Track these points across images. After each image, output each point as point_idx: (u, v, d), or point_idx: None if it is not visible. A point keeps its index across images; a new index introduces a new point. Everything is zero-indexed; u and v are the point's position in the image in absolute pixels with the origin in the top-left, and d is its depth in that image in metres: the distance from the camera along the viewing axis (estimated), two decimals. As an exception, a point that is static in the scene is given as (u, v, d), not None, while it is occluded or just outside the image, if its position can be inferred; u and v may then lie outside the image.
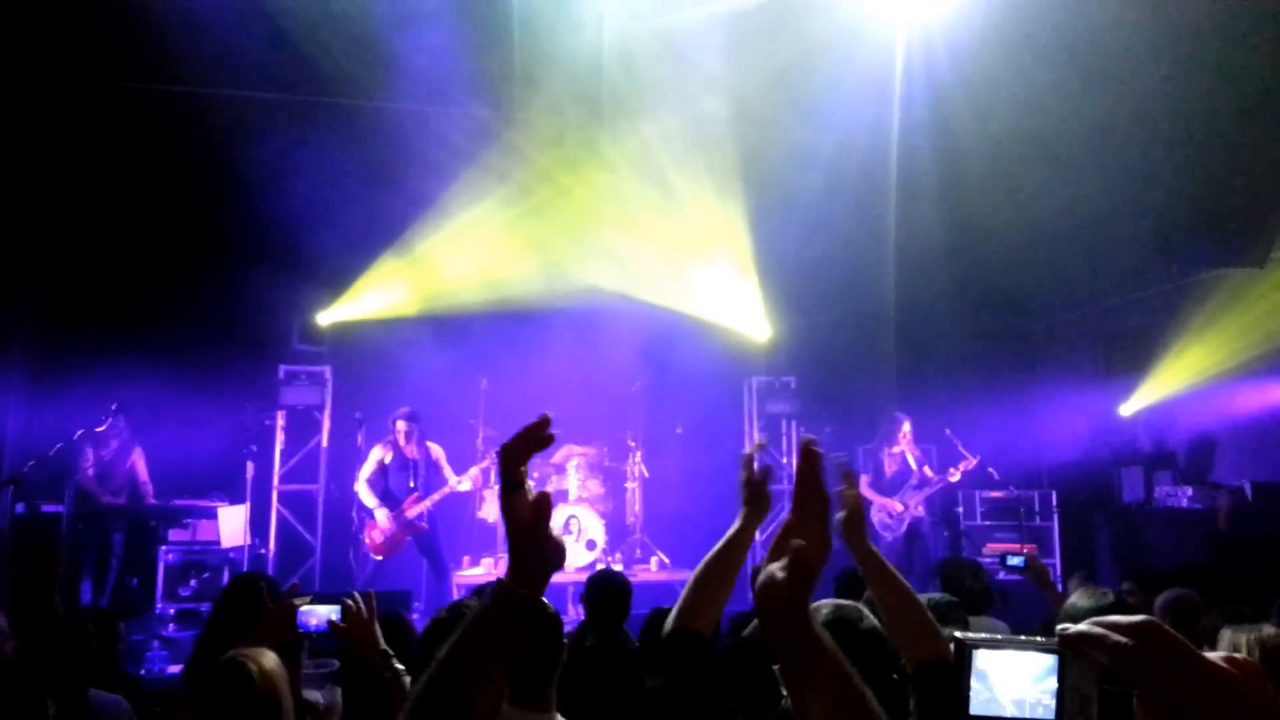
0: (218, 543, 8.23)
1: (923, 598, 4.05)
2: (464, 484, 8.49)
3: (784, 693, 1.25)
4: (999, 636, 1.00)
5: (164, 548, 8.12)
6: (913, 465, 8.88)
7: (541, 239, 9.80)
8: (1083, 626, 0.90)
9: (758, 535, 2.45)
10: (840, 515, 2.51)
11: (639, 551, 9.68)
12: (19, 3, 7.98)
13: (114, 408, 8.18)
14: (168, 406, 8.78)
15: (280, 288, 9.44)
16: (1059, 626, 0.92)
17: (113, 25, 8.01)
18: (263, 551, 9.04)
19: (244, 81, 8.87)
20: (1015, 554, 4.96)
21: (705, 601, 2.29)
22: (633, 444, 9.85)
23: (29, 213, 8.90)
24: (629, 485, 9.87)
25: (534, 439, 1.29)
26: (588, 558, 8.94)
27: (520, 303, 10.06)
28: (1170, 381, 9.69)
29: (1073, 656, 0.92)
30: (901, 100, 9.29)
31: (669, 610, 3.43)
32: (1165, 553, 8.50)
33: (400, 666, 2.80)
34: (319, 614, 3.09)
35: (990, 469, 8.85)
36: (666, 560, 9.54)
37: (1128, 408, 10.22)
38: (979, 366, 11.18)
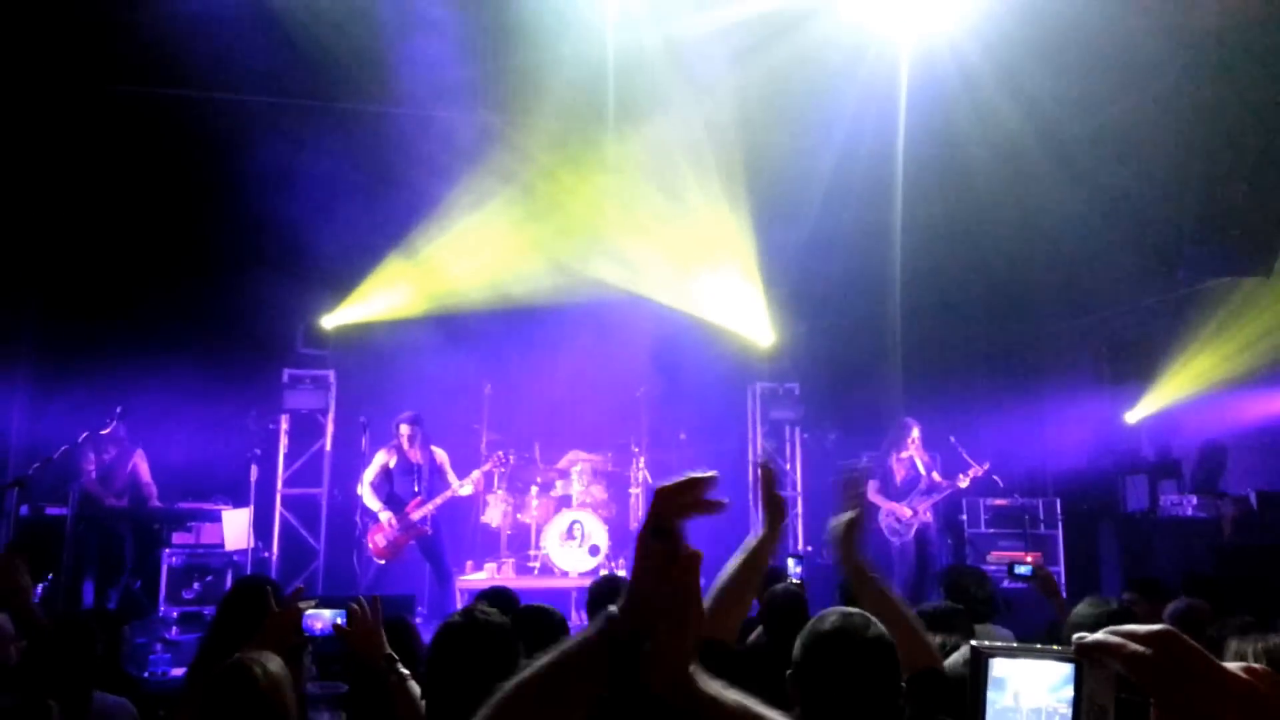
0: (221, 546, 8.22)
1: (927, 605, 4.07)
2: (465, 488, 8.48)
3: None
4: (1015, 645, 1.00)
5: (167, 550, 8.11)
6: (921, 471, 8.85)
7: (545, 244, 9.80)
8: (1099, 635, 0.89)
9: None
10: (833, 527, 2.50)
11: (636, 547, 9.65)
12: (26, 6, 8.00)
13: (118, 410, 8.19)
14: (172, 410, 8.79)
15: (284, 291, 9.45)
16: (1075, 635, 0.92)
17: (118, 29, 8.04)
18: (266, 555, 9.04)
19: (248, 86, 8.90)
20: (1023, 563, 4.95)
21: (726, 611, 2.28)
22: (636, 449, 9.84)
23: (34, 216, 8.92)
24: (633, 491, 9.86)
25: (702, 504, 1.14)
26: (591, 563, 8.93)
27: (524, 307, 10.06)
28: (1175, 390, 9.67)
29: (1089, 665, 0.91)
30: (906, 108, 9.29)
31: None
32: (1169, 562, 8.47)
33: (405, 671, 2.79)
34: (324, 618, 3.09)
35: (995, 476, 8.83)
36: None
37: (1132, 416, 10.20)
38: (983, 374, 11.19)
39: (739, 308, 10.70)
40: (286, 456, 9.53)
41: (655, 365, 9.96)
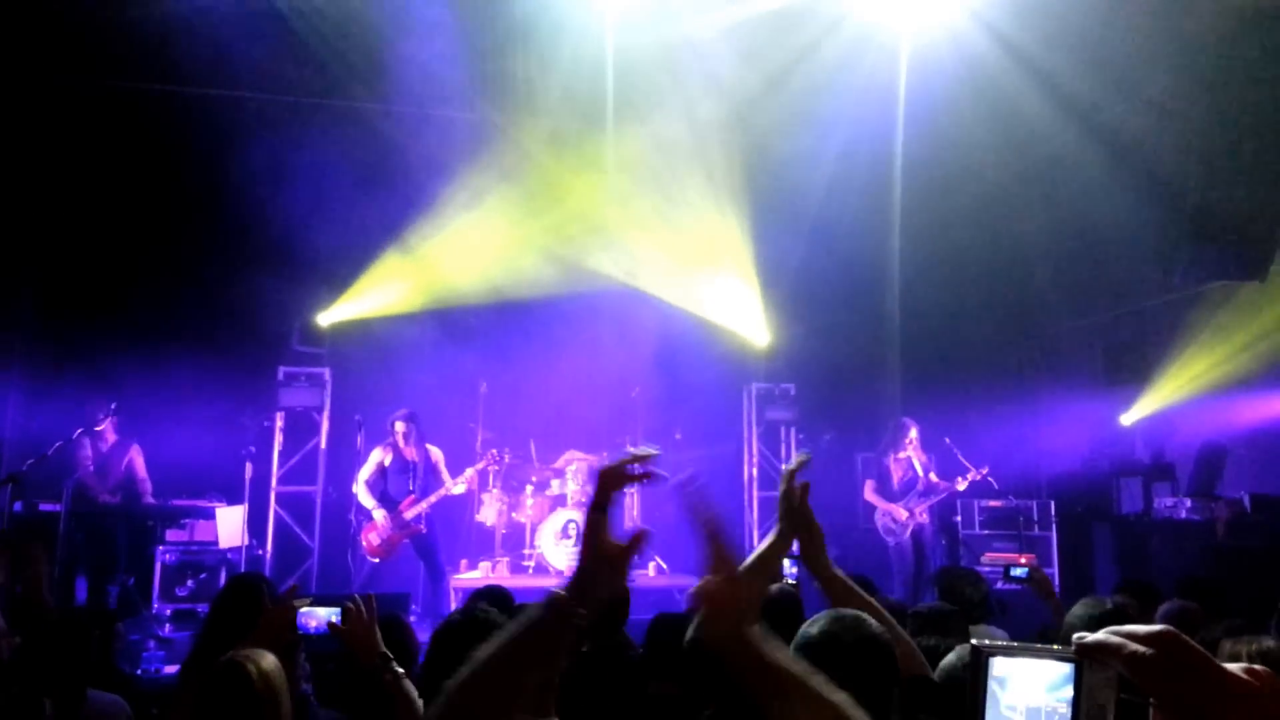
0: (215, 543, 8.21)
1: (922, 606, 4.07)
2: (459, 487, 8.47)
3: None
4: (1015, 644, 1.00)
5: (161, 548, 8.09)
6: (919, 471, 8.86)
7: (542, 243, 9.80)
8: (1100, 635, 0.89)
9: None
10: (801, 537, 2.49)
11: (636, 557, 9.66)
12: (21, 2, 7.99)
13: (112, 407, 8.17)
14: (166, 406, 8.77)
15: (280, 289, 9.44)
16: (1075, 635, 0.92)
17: (114, 25, 8.02)
18: (260, 553, 9.01)
19: (245, 82, 8.90)
20: (1019, 565, 4.97)
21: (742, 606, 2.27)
22: (631, 449, 9.83)
23: (27, 212, 8.89)
24: (628, 490, 9.84)
25: (634, 475, 1.31)
26: (585, 563, 8.92)
27: (520, 306, 10.06)
28: (1170, 393, 9.69)
29: (1089, 665, 0.91)
30: (904, 109, 9.31)
31: (675, 616, 3.43)
32: (1163, 564, 8.49)
33: (400, 669, 2.79)
34: (319, 616, 3.08)
35: (990, 478, 8.85)
36: (664, 565, 9.52)
37: (1128, 418, 10.23)
38: (979, 376, 11.20)
39: (736, 308, 10.71)
40: (281, 454, 9.51)
41: (651, 365, 9.95)
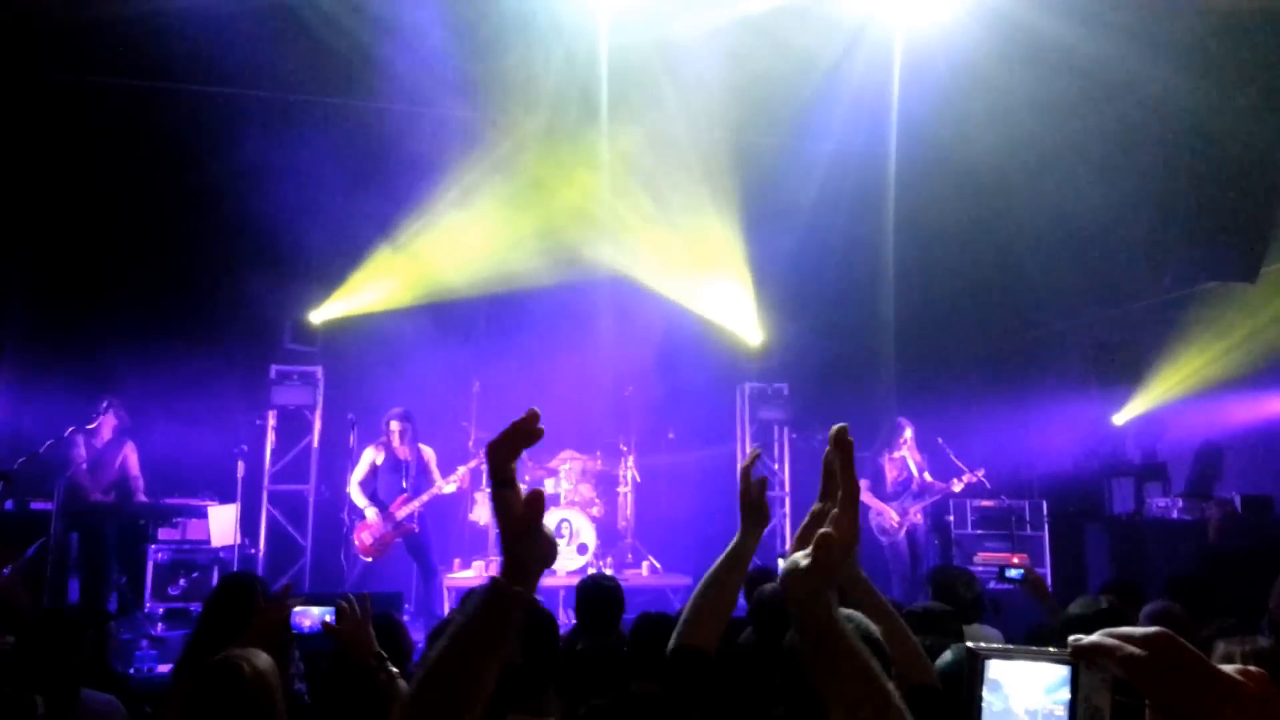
0: (207, 542, 8.19)
1: (916, 606, 4.08)
2: (450, 486, 8.46)
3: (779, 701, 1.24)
4: (1011, 647, 1.00)
5: (153, 546, 8.07)
6: (914, 472, 8.87)
7: (535, 241, 9.80)
8: (1095, 637, 0.90)
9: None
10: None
11: (630, 556, 9.67)
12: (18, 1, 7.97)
13: (104, 405, 8.15)
14: (158, 405, 8.75)
15: (272, 286, 9.42)
16: (1071, 638, 0.92)
17: (105, 22, 7.99)
18: (253, 551, 8.99)
19: (235, 80, 8.89)
20: (1013, 566, 5.00)
21: (707, 618, 2.29)
22: (625, 448, 9.85)
23: (18, 207, 8.86)
24: (621, 490, 9.86)
25: (522, 433, 1.26)
26: (579, 562, 8.93)
27: (513, 305, 10.07)
28: (1161, 393, 9.72)
29: (1085, 667, 0.92)
30: (898, 110, 9.33)
31: (657, 616, 3.43)
32: (1155, 564, 8.52)
33: (395, 669, 2.78)
34: (312, 615, 3.08)
35: (984, 479, 8.87)
36: (658, 565, 9.53)
37: (1119, 418, 10.26)
38: (971, 376, 11.22)
39: (729, 307, 10.72)
40: (274, 453, 9.50)
41: (645, 364, 9.96)
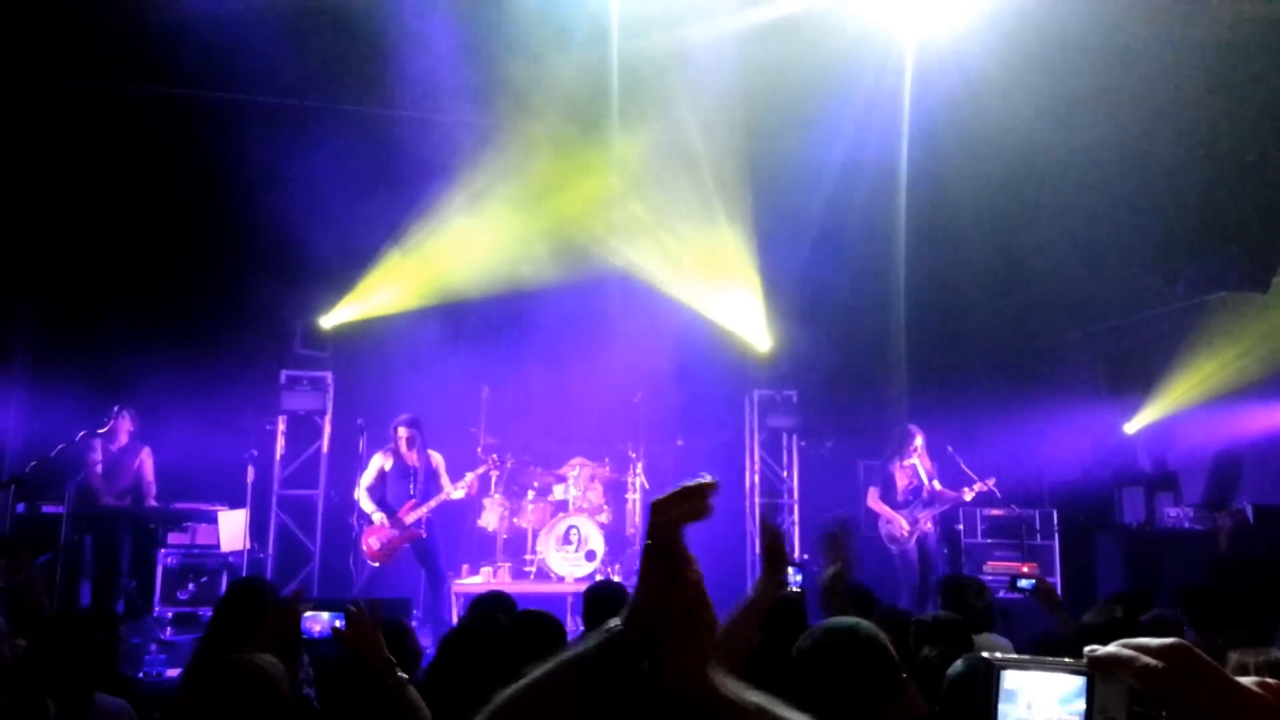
0: (217, 546, 8.22)
1: (927, 615, 4.07)
2: (458, 492, 8.46)
3: None
4: (1027, 657, 1.00)
5: (163, 551, 8.11)
6: (924, 479, 8.83)
7: (543, 248, 9.80)
8: (1112, 648, 0.89)
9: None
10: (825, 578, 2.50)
11: (638, 563, 9.64)
12: (22, 3, 8.01)
13: (115, 409, 8.17)
14: (169, 409, 8.78)
15: (283, 292, 9.46)
16: (1088, 648, 0.92)
17: (116, 28, 8.05)
18: (261, 556, 9.01)
19: (248, 86, 8.92)
20: (1023, 575, 4.99)
21: (726, 653, 2.29)
22: (633, 455, 9.83)
23: (30, 215, 8.90)
24: (630, 496, 9.84)
25: (694, 509, 1.15)
26: (587, 568, 8.92)
27: (522, 311, 10.07)
28: (1172, 403, 9.69)
29: (1101, 678, 0.91)
30: (909, 117, 9.33)
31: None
32: (1166, 574, 8.47)
33: (404, 676, 2.78)
34: (322, 620, 3.09)
35: (995, 488, 8.83)
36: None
37: (1131, 428, 10.22)
38: (982, 384, 11.18)
39: (739, 314, 10.71)
40: (283, 458, 9.51)
41: (654, 371, 9.95)
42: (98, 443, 8.13)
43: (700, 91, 9.05)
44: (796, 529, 10.47)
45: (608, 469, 9.72)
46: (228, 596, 3.88)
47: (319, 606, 3.24)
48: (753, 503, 10.61)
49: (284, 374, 9.51)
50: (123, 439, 8.29)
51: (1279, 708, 0.84)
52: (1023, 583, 4.99)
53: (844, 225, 10.18)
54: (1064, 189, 10.03)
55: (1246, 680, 0.86)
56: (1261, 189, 8.04)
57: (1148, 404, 9.97)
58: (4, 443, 8.93)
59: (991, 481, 8.68)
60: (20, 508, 7.55)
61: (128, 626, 6.94)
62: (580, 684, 1.12)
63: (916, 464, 8.87)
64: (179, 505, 8.35)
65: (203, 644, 3.71)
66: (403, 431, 8.32)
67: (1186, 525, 8.88)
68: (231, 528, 8.29)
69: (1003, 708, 0.97)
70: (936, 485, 8.85)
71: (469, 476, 8.54)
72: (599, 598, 4.51)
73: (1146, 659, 0.87)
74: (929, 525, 8.79)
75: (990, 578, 8.84)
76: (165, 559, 8.10)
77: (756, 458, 10.69)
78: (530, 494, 9.47)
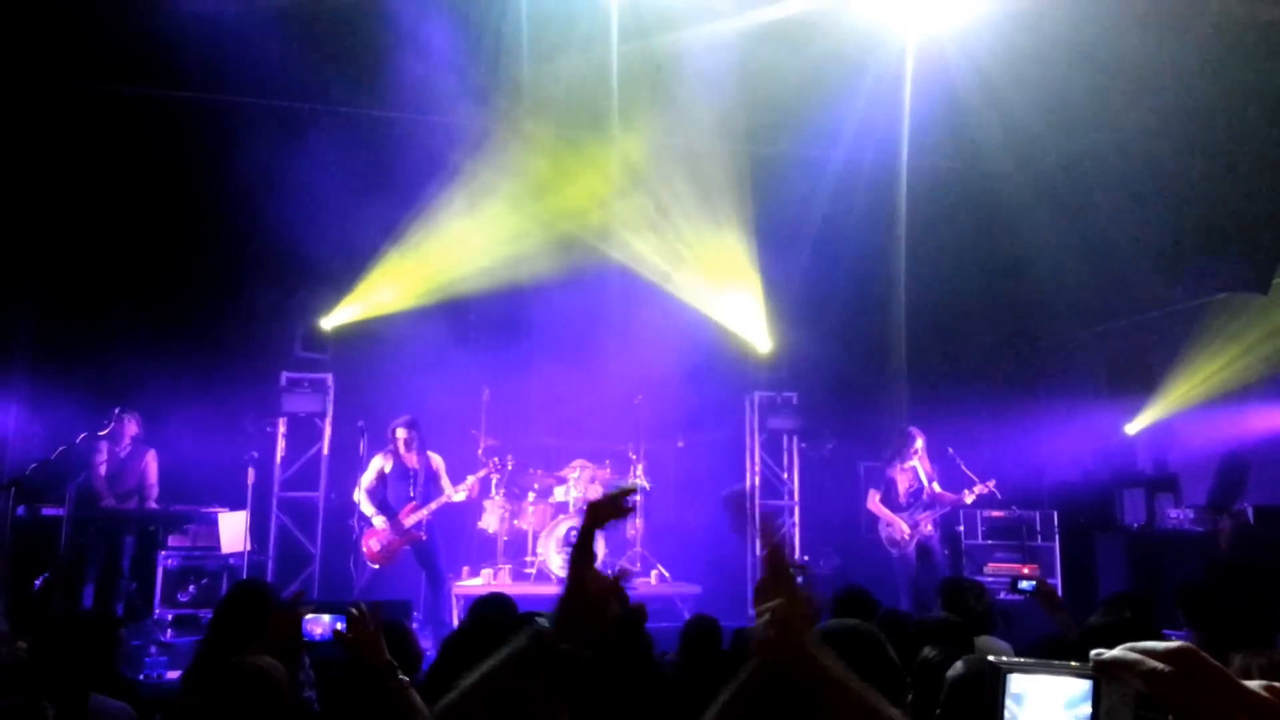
0: (217, 548, 8.21)
1: (927, 617, 4.07)
2: (459, 494, 8.44)
3: None
4: (1033, 661, 0.99)
5: (163, 553, 8.10)
6: (924, 482, 8.82)
7: (544, 249, 9.80)
8: (1118, 652, 0.89)
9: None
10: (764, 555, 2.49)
11: (639, 564, 9.65)
12: (24, 7, 8.02)
13: (117, 411, 8.15)
14: (169, 412, 8.77)
15: (282, 294, 9.47)
16: (1093, 652, 0.91)
17: (114, 32, 8.06)
18: (262, 558, 9.01)
19: (247, 88, 8.94)
20: (1025, 577, 4.98)
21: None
22: (634, 457, 9.83)
23: (30, 218, 8.91)
24: (631, 498, 9.82)
25: (618, 510, 1.36)
26: (587, 570, 8.90)
27: (523, 313, 10.07)
28: (1172, 404, 9.69)
29: (1107, 682, 0.91)
30: (911, 121, 9.34)
31: (708, 620, 3.49)
32: (1167, 576, 8.46)
33: (405, 678, 2.78)
34: (323, 622, 3.08)
35: (995, 490, 8.83)
36: (666, 574, 9.50)
37: (1131, 429, 10.22)
38: (983, 386, 11.18)
39: (739, 315, 10.71)
40: (284, 460, 9.50)
41: (654, 373, 9.94)
42: (103, 445, 8.12)
43: (700, 93, 9.05)
44: (797, 530, 10.47)
45: (608, 470, 9.71)
46: (228, 599, 3.87)
47: (320, 609, 3.24)
48: (753, 504, 10.61)
49: (284, 376, 9.51)
50: (127, 441, 8.29)
51: (1286, 711, 0.84)
52: (1023, 584, 4.98)
53: (844, 227, 10.19)
54: (1064, 190, 10.04)
55: (1252, 683, 0.86)
56: (1262, 190, 8.04)
57: (1148, 405, 9.97)
58: (4, 445, 8.92)
59: (992, 483, 8.68)
60: (20, 510, 7.53)
61: (128, 628, 6.94)
62: (518, 676, 1.25)
63: (917, 466, 8.85)
64: (179, 507, 8.33)
65: (203, 646, 3.70)
66: (401, 433, 8.31)
67: (1187, 527, 8.87)
68: (232, 530, 8.28)
69: (1009, 711, 0.97)
70: (936, 488, 8.84)
71: (470, 479, 8.53)
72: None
73: (1153, 662, 0.86)
74: (930, 528, 8.77)
75: (991, 579, 8.85)
76: (166, 561, 8.10)
77: (757, 459, 10.69)
78: (531, 496, 9.47)
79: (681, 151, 9.97)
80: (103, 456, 8.18)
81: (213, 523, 8.22)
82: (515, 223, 9.81)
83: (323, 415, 9.55)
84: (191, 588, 8.06)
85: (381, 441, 8.58)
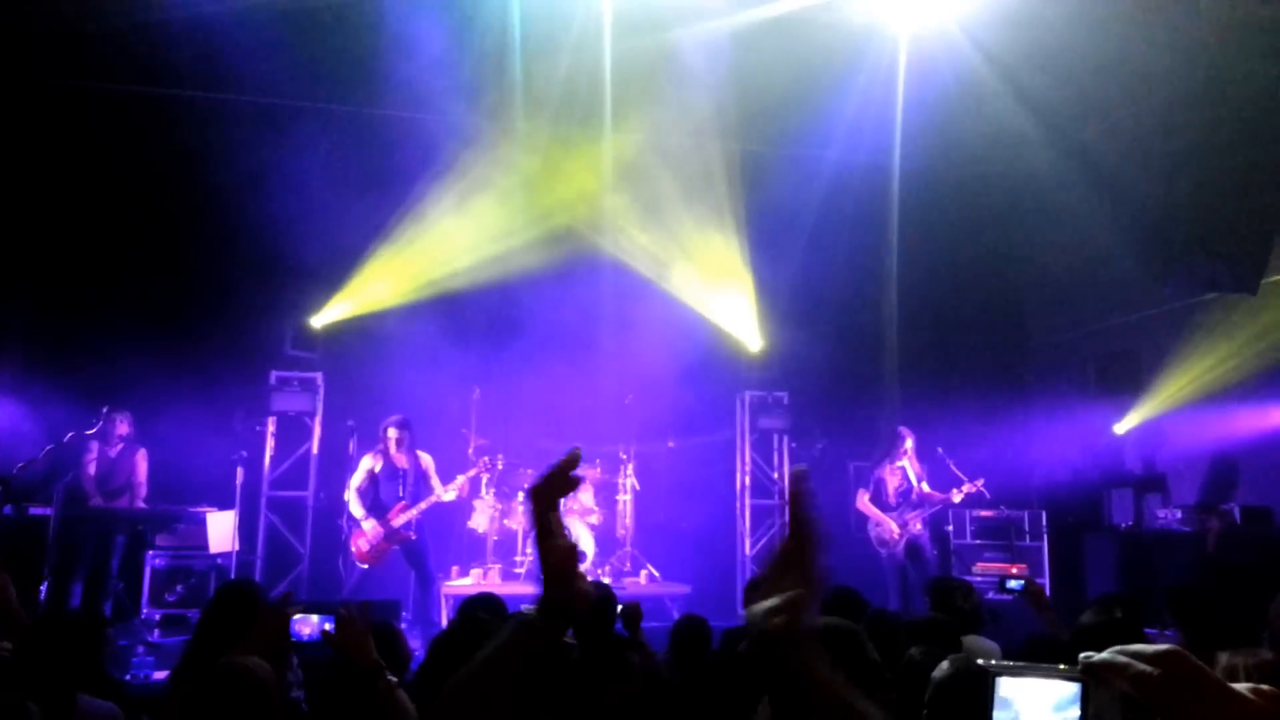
0: (205, 548, 8.17)
1: (916, 616, 4.08)
2: (449, 494, 8.42)
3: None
4: (1022, 664, 0.99)
5: (151, 552, 8.06)
6: (913, 481, 8.83)
7: (535, 248, 9.79)
8: (1106, 655, 0.89)
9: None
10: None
11: (629, 564, 9.65)
12: (11, 4, 7.98)
13: (105, 410, 8.11)
14: (157, 410, 8.73)
15: (272, 292, 9.44)
16: (1082, 655, 0.91)
17: (104, 29, 8.03)
18: (250, 558, 8.98)
19: (236, 85, 8.91)
20: (1013, 577, 5.00)
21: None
22: (624, 456, 9.83)
23: (20, 215, 8.86)
24: (620, 498, 9.84)
25: (563, 481, 1.30)
26: (577, 570, 8.89)
27: (513, 312, 10.05)
28: (1161, 404, 9.72)
29: (1096, 685, 0.91)
30: (902, 120, 9.36)
31: (698, 620, 3.48)
32: (1155, 576, 8.50)
33: (394, 679, 2.77)
34: (312, 623, 3.07)
35: (984, 489, 8.85)
36: (656, 573, 9.50)
37: (1120, 429, 10.26)
38: (972, 386, 11.22)
39: (730, 314, 10.72)
40: (273, 459, 9.48)
41: (645, 372, 9.94)
42: (93, 444, 8.09)
43: (692, 91, 9.06)
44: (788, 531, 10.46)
45: (599, 470, 9.71)
46: (216, 599, 3.85)
47: (308, 609, 3.23)
48: (744, 504, 10.63)
49: (274, 375, 9.48)
50: (117, 440, 8.25)
51: (1272, 714, 0.84)
52: (1011, 584, 5.00)
53: (836, 226, 10.21)
54: (1054, 190, 10.06)
55: (1239, 686, 0.86)
56: (1250, 191, 8.07)
57: (1137, 405, 10.01)
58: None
59: (980, 483, 8.70)
60: (8, 510, 7.49)
61: (115, 628, 6.91)
62: (508, 666, 1.25)
63: (906, 466, 8.88)
64: (167, 507, 8.30)
65: (191, 647, 3.68)
66: (392, 433, 8.28)
67: (1175, 527, 8.91)
68: (220, 529, 8.25)
69: (997, 714, 0.96)
70: (925, 487, 8.86)
71: (460, 479, 8.51)
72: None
73: (1141, 665, 0.86)
74: (919, 527, 8.79)
75: (979, 579, 8.87)
76: (153, 560, 8.06)
77: (747, 459, 10.70)
78: (521, 495, 9.45)
79: (673, 150, 9.97)
80: (92, 456, 8.15)
81: (201, 522, 8.18)
82: (506, 222, 9.81)
83: (312, 414, 9.53)
84: (179, 588, 8.03)
85: (371, 441, 8.55)
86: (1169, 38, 7.55)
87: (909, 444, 8.87)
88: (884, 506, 8.82)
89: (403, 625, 6.88)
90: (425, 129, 9.55)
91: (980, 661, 0.99)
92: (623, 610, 4.65)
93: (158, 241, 9.30)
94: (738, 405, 10.84)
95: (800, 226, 10.18)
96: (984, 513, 9.63)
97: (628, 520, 9.79)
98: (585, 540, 9.07)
